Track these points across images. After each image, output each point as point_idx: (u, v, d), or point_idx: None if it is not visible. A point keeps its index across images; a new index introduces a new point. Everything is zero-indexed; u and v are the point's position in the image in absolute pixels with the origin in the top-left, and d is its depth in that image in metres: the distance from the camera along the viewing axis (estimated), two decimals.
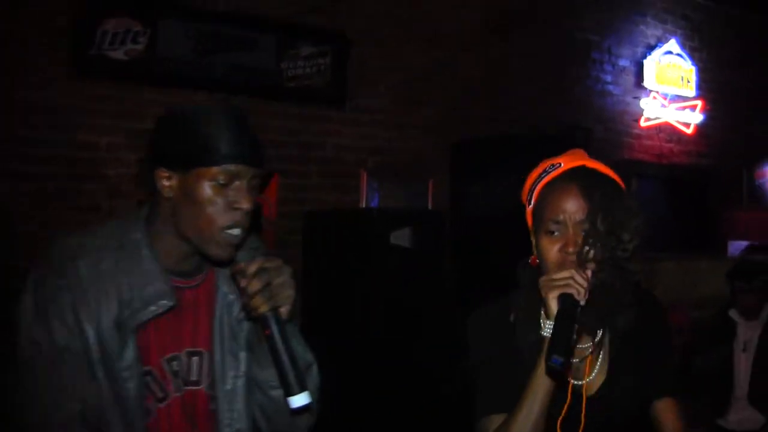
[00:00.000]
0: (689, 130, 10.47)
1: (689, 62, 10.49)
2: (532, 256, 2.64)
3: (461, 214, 7.51)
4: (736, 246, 9.40)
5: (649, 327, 2.64)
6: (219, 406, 2.56)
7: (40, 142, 5.84)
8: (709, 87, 10.75)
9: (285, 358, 2.29)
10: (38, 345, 2.32)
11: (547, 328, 2.37)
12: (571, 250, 2.42)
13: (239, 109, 2.49)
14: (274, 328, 2.30)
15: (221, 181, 2.36)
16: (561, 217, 2.46)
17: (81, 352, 2.34)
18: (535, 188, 2.60)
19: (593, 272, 2.41)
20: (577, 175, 2.51)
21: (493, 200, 7.27)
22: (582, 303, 2.35)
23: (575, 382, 2.57)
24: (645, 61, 10.01)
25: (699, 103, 10.46)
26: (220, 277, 2.57)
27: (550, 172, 2.57)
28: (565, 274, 2.36)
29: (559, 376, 2.38)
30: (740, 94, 11.07)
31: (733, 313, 6.28)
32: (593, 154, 2.66)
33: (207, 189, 2.36)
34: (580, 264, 2.40)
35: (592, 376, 2.59)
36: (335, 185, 7.20)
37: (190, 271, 2.55)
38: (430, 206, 7.68)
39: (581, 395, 2.57)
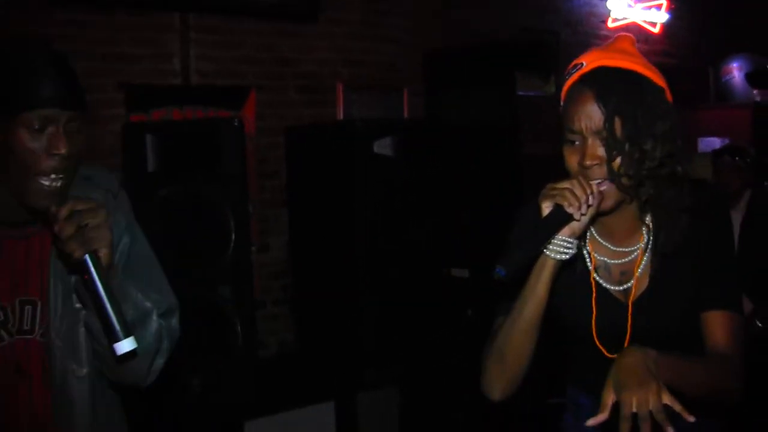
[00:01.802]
0: (656, 30, 10.49)
1: None
2: None
3: (436, 122, 7.52)
4: (707, 142, 9.47)
5: (704, 231, 2.47)
6: (54, 354, 2.51)
7: None
8: None
9: (106, 302, 2.23)
10: None
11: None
12: (588, 163, 2.31)
13: (54, 50, 2.46)
14: (93, 272, 2.24)
15: (36, 127, 2.31)
16: (576, 126, 2.33)
17: None
18: (562, 88, 2.46)
19: (627, 184, 2.32)
20: (594, 77, 2.36)
21: (467, 108, 7.33)
22: (577, 217, 2.26)
23: (616, 288, 2.53)
24: None
25: (664, 2, 10.46)
26: None
27: (573, 73, 2.42)
28: (565, 184, 2.27)
29: (504, 287, 2.36)
30: None
31: None
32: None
33: (22, 135, 2.31)
34: (611, 177, 2.30)
35: (628, 285, 2.51)
36: (312, 99, 7.16)
37: (24, 221, 2.50)
38: (405, 116, 7.69)
39: (623, 303, 2.52)
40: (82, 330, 2.52)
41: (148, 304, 2.50)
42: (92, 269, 2.24)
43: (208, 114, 6.53)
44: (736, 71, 11.12)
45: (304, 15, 7.07)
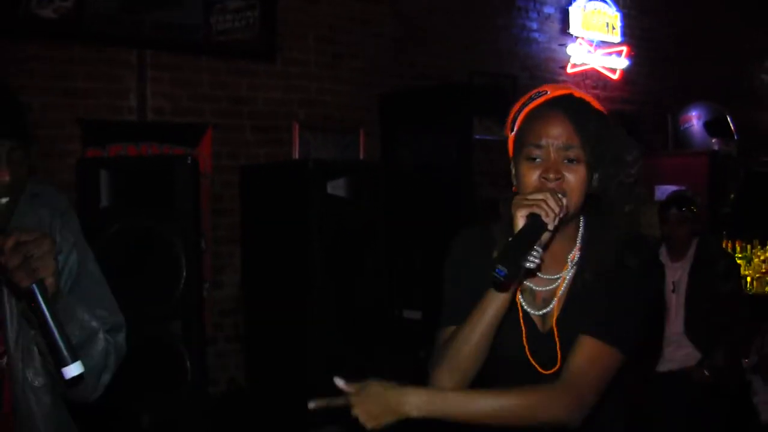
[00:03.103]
0: (615, 76, 10.61)
1: (614, 8, 10.59)
2: (514, 187, 2.56)
3: (392, 164, 7.57)
4: (663, 190, 9.52)
5: (626, 271, 2.50)
6: (12, 365, 2.55)
7: None
8: (633, 33, 10.88)
9: (53, 329, 2.26)
10: None
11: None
12: (551, 175, 2.38)
13: None
14: (40, 301, 2.26)
15: None
16: (543, 141, 2.40)
17: None
18: (518, 116, 2.53)
19: (604, 202, 2.45)
20: (563, 102, 2.46)
21: (422, 150, 7.37)
22: (550, 227, 2.32)
23: (535, 313, 2.58)
24: (570, 8, 10.08)
25: (624, 48, 10.59)
26: None
27: (535, 98, 2.50)
28: (539, 195, 2.32)
29: (501, 288, 2.38)
30: (665, 39, 11.22)
31: (661, 255, 6.34)
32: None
33: None
34: (593, 189, 2.43)
35: (549, 308, 2.56)
36: (268, 138, 7.25)
37: None
38: (361, 157, 7.77)
39: (539, 328, 2.58)
40: (36, 349, 2.53)
41: (95, 324, 2.52)
42: (39, 298, 2.25)
43: (164, 150, 6.56)
44: (695, 119, 11.21)
45: (260, 54, 7.16)
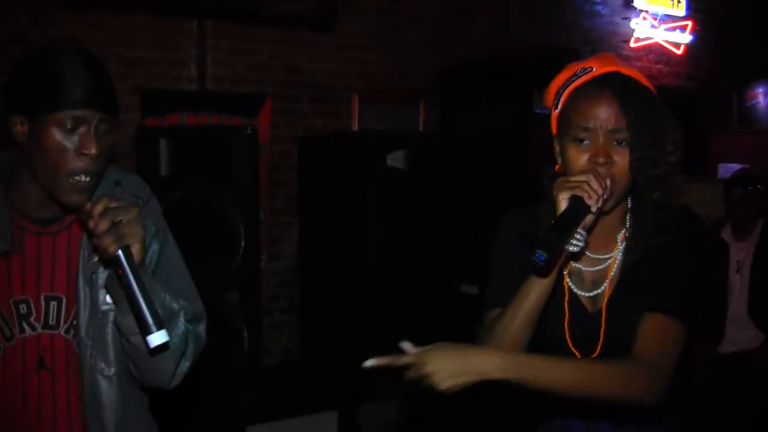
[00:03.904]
0: (679, 51, 10.43)
1: None
2: (557, 165, 2.53)
3: (451, 136, 7.52)
4: (727, 168, 9.40)
5: (675, 246, 2.46)
6: (84, 352, 2.57)
7: None
8: (698, 7, 10.67)
9: (139, 296, 2.27)
10: None
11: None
12: (601, 160, 2.34)
13: (87, 51, 2.47)
14: (126, 267, 2.29)
15: (68, 126, 2.37)
16: (591, 124, 2.36)
17: None
18: (563, 92, 2.49)
19: (637, 186, 2.39)
20: (610, 80, 2.40)
21: (482, 123, 7.32)
22: (593, 209, 2.28)
23: (585, 294, 2.55)
24: None
25: (689, 23, 10.41)
26: None
27: (581, 75, 2.45)
28: (581, 177, 2.29)
29: (541, 273, 2.35)
30: (730, 14, 10.98)
31: (725, 235, 6.26)
32: None
33: (53, 135, 2.37)
34: (634, 175, 2.36)
35: (598, 291, 2.53)
36: (326, 109, 7.21)
37: (51, 218, 2.57)
38: (421, 129, 7.71)
39: (589, 310, 2.55)
40: (110, 330, 2.57)
41: (175, 306, 2.55)
42: (125, 264, 2.28)
43: (224, 120, 6.55)
44: (761, 96, 11.08)
45: (320, 24, 7.10)
